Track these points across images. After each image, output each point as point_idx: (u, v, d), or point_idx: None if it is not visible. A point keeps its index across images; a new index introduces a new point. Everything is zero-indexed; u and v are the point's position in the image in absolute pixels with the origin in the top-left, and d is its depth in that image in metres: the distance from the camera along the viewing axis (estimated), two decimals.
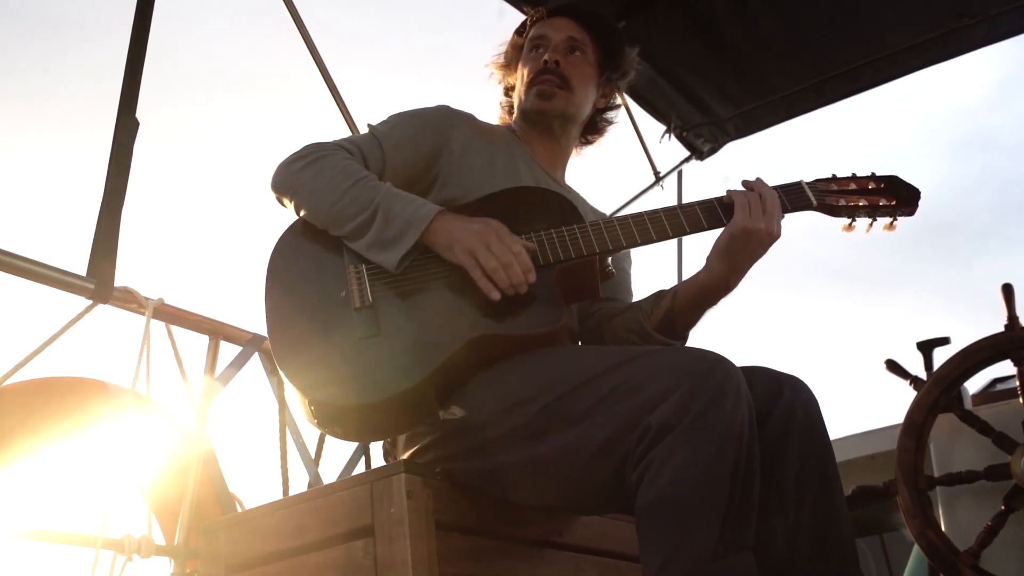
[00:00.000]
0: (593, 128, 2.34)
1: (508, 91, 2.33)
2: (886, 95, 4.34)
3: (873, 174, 2.10)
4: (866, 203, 2.04)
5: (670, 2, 3.81)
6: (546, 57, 2.17)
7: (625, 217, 1.96)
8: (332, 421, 1.76)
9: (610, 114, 2.36)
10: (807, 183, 2.05)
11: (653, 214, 1.97)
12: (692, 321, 2.06)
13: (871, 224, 2.06)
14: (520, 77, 2.24)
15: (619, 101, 2.38)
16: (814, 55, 4.14)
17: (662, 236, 1.95)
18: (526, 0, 3.60)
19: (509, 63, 2.32)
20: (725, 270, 1.96)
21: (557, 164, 2.27)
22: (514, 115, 2.27)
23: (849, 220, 2.05)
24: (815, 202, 2.02)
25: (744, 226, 1.91)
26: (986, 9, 3.84)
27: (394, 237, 1.82)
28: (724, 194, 1.99)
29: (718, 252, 1.96)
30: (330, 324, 1.80)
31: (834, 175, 2.08)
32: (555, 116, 2.18)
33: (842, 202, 2.04)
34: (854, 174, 2.09)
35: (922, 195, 2.08)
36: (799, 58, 4.15)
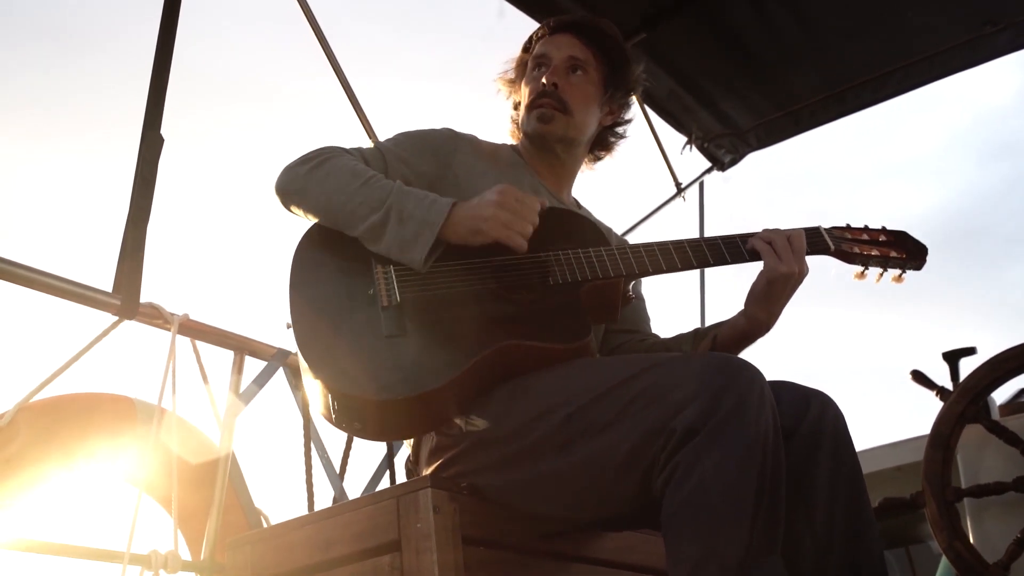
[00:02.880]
0: (602, 144, 2.33)
1: (517, 106, 2.32)
2: (911, 101, 4.33)
3: (884, 228, 2.19)
4: (878, 253, 2.13)
5: (691, 13, 3.81)
6: (544, 80, 2.16)
7: (651, 244, 2.00)
8: (351, 416, 1.76)
9: (620, 129, 2.34)
10: (825, 229, 2.14)
11: (678, 244, 2.01)
12: None
13: (881, 275, 2.15)
14: (523, 96, 2.24)
15: (630, 116, 2.35)
16: (837, 64, 4.13)
17: (686, 266, 2.00)
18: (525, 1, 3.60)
19: (515, 79, 2.32)
20: (766, 315, 2.02)
21: (563, 184, 2.27)
22: (520, 132, 2.27)
23: (862, 268, 2.13)
24: (832, 247, 2.11)
25: (780, 271, 1.96)
26: (1010, 16, 3.82)
27: (411, 237, 1.82)
28: (750, 232, 2.04)
29: (757, 299, 2.01)
30: (356, 320, 1.80)
31: (848, 224, 2.17)
32: (555, 140, 2.18)
33: (856, 250, 2.12)
34: (866, 225, 2.18)
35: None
36: (822, 67, 4.14)
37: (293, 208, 1.96)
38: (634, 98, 2.36)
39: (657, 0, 3.78)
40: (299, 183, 1.94)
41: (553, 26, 2.27)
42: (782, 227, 2.04)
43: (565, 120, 2.16)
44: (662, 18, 3.83)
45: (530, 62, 2.25)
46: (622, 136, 2.35)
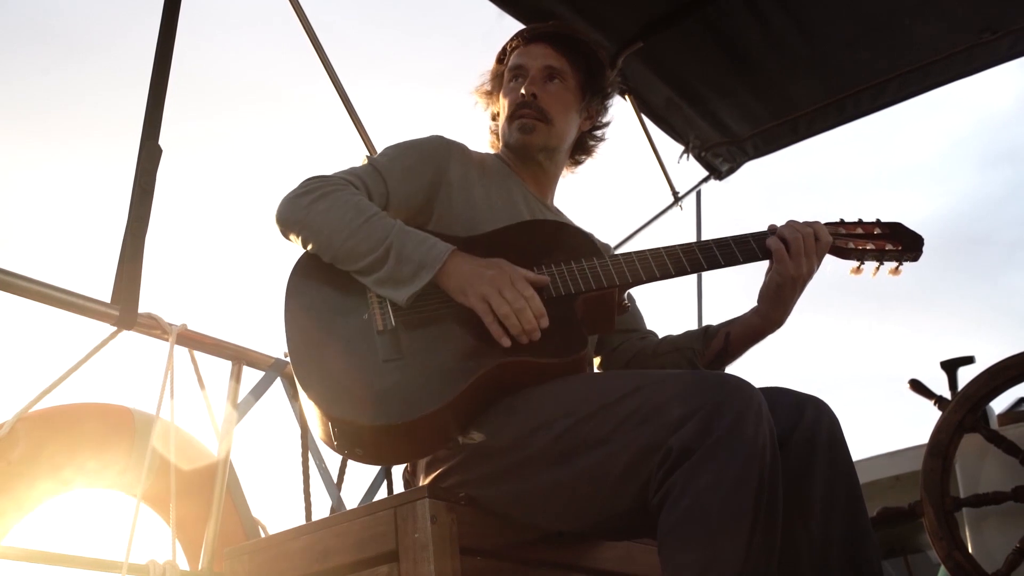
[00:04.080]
0: (582, 148, 2.35)
1: (495, 117, 2.33)
2: (912, 108, 4.32)
3: (878, 220, 2.16)
4: (873, 247, 2.11)
5: (688, 22, 3.81)
6: (523, 91, 2.17)
7: (643, 251, 2.00)
8: (352, 442, 1.76)
9: (599, 132, 2.36)
10: None
11: (670, 249, 2.01)
12: (740, 357, 2.14)
13: (878, 268, 2.13)
14: (501, 108, 2.25)
15: (607, 119, 2.37)
16: (835, 72, 4.13)
17: (680, 271, 1.99)
18: (524, 8, 3.61)
19: (492, 91, 2.33)
20: (779, 313, 2.04)
21: (547, 191, 2.29)
22: (501, 143, 2.28)
23: (858, 263, 2.11)
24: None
25: (793, 275, 1.98)
26: (1009, 24, 3.82)
27: (407, 277, 1.82)
28: (762, 232, 2.03)
29: (769, 300, 2.03)
30: (353, 346, 1.80)
31: (841, 219, 2.15)
32: (537, 150, 2.20)
33: (851, 245, 2.10)
34: (860, 219, 2.16)
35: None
36: (820, 75, 4.14)
37: (292, 238, 1.95)
38: (612, 100, 2.37)
39: (654, 9, 3.79)
40: (300, 214, 1.92)
41: (527, 37, 2.28)
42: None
43: (546, 130, 2.17)
44: (659, 27, 3.83)
45: (506, 73, 2.26)
46: (601, 139, 2.37)
